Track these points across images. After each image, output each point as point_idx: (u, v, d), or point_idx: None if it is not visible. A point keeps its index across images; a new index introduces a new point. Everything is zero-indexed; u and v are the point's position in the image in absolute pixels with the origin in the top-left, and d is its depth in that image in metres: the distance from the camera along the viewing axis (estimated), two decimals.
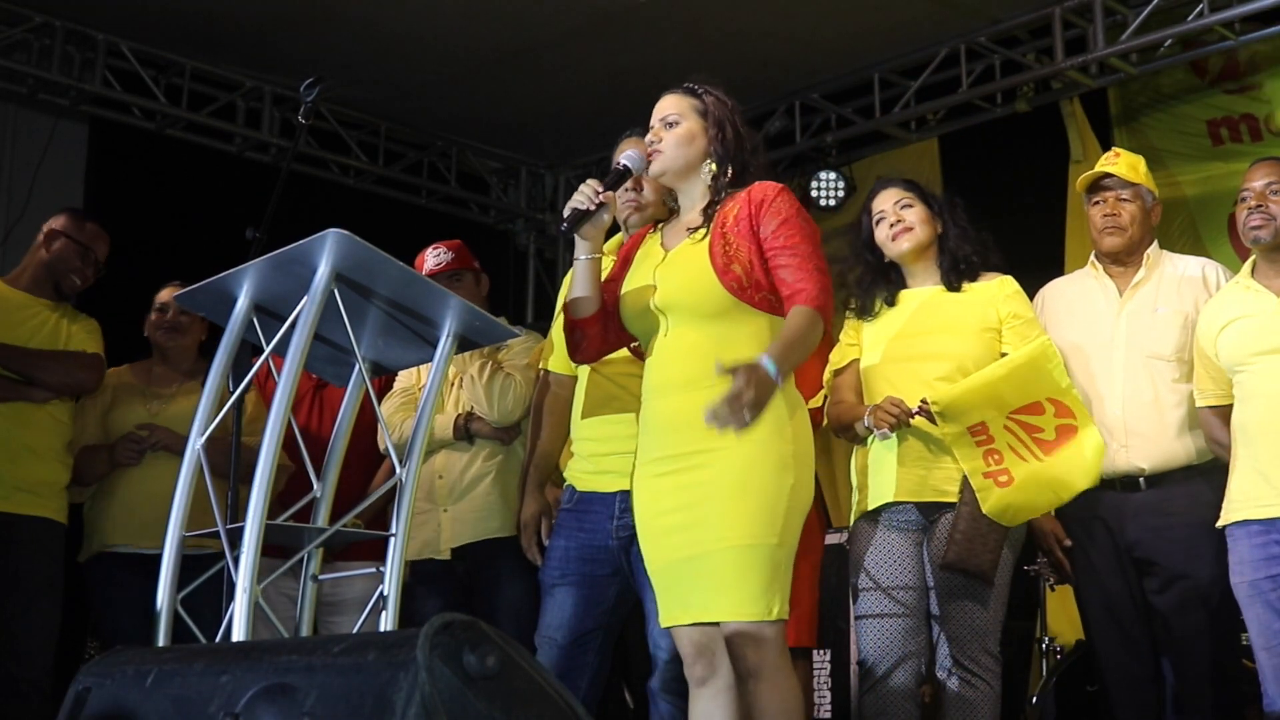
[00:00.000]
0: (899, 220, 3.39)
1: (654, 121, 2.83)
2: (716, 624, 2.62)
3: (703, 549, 2.59)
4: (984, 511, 3.13)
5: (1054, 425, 3.23)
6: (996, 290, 3.37)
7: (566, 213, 2.74)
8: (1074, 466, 3.21)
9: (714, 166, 2.79)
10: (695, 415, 2.57)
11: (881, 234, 3.42)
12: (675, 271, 2.73)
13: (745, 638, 2.55)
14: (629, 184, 3.15)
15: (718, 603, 2.58)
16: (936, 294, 3.39)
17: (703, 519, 2.60)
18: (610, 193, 2.76)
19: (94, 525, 4.01)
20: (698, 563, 2.60)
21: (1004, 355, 3.30)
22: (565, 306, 2.87)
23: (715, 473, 2.60)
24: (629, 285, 2.82)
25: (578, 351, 2.89)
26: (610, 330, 2.84)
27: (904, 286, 3.44)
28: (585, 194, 2.73)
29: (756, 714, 2.55)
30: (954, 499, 3.21)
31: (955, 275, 3.38)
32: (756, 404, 2.45)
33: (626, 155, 2.83)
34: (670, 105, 2.83)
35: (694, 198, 2.83)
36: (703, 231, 2.74)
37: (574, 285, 2.81)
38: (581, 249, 2.79)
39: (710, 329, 2.67)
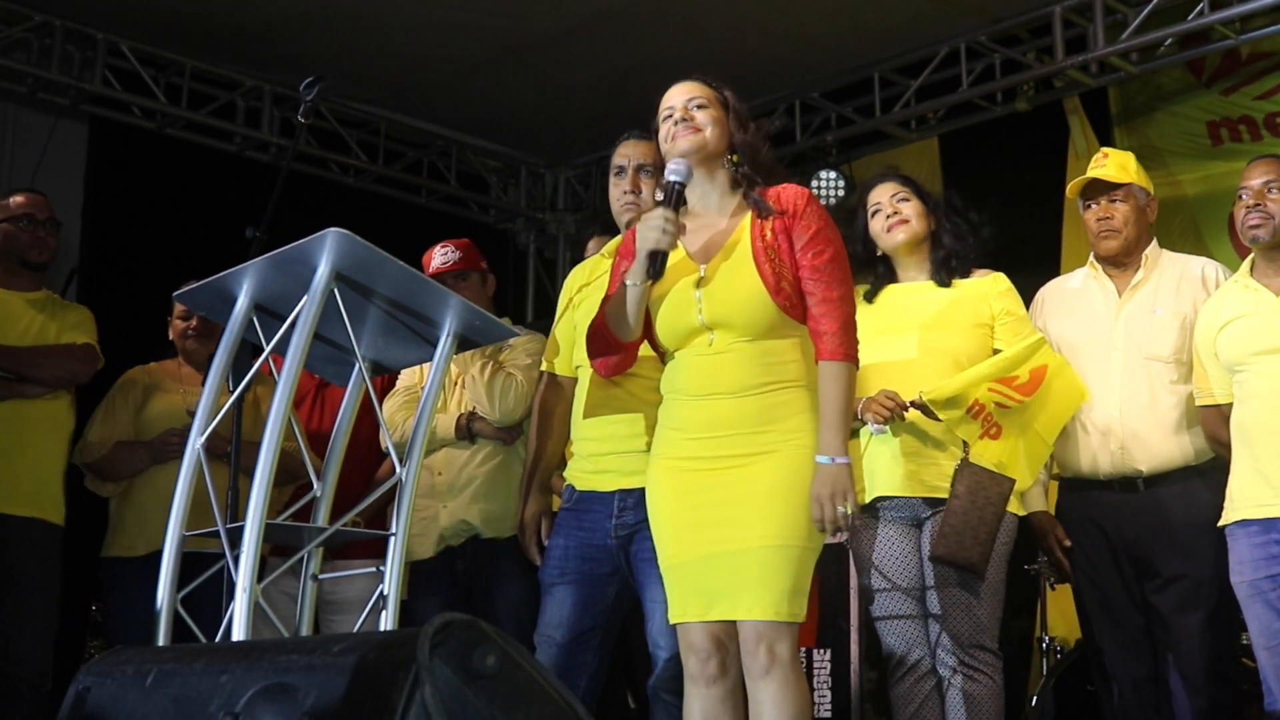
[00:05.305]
0: (895, 213, 3.40)
1: (675, 103, 2.75)
2: (733, 622, 2.60)
3: (739, 545, 2.57)
4: (986, 466, 3.19)
5: (1027, 369, 3.28)
6: (990, 287, 3.38)
7: (643, 257, 2.63)
8: (1064, 393, 3.34)
9: (736, 157, 2.74)
10: (743, 419, 2.61)
11: (877, 226, 3.43)
12: (725, 290, 2.66)
13: (767, 638, 2.54)
14: (627, 185, 3.14)
15: (748, 600, 2.56)
16: (928, 289, 3.40)
17: (743, 516, 2.58)
18: (675, 214, 2.66)
19: (120, 522, 3.99)
20: (732, 559, 2.58)
21: (996, 352, 3.32)
22: (606, 328, 2.75)
23: (760, 471, 2.59)
24: (660, 293, 2.72)
25: (612, 370, 2.84)
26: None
27: (894, 280, 3.45)
28: (662, 228, 2.62)
29: (769, 713, 2.53)
30: (946, 495, 3.21)
31: (946, 271, 3.39)
32: (845, 496, 2.56)
33: (673, 169, 2.70)
34: (695, 89, 2.77)
35: (710, 191, 2.77)
36: (744, 227, 2.69)
37: (623, 309, 2.70)
38: (636, 276, 2.68)
39: (760, 343, 2.65)
